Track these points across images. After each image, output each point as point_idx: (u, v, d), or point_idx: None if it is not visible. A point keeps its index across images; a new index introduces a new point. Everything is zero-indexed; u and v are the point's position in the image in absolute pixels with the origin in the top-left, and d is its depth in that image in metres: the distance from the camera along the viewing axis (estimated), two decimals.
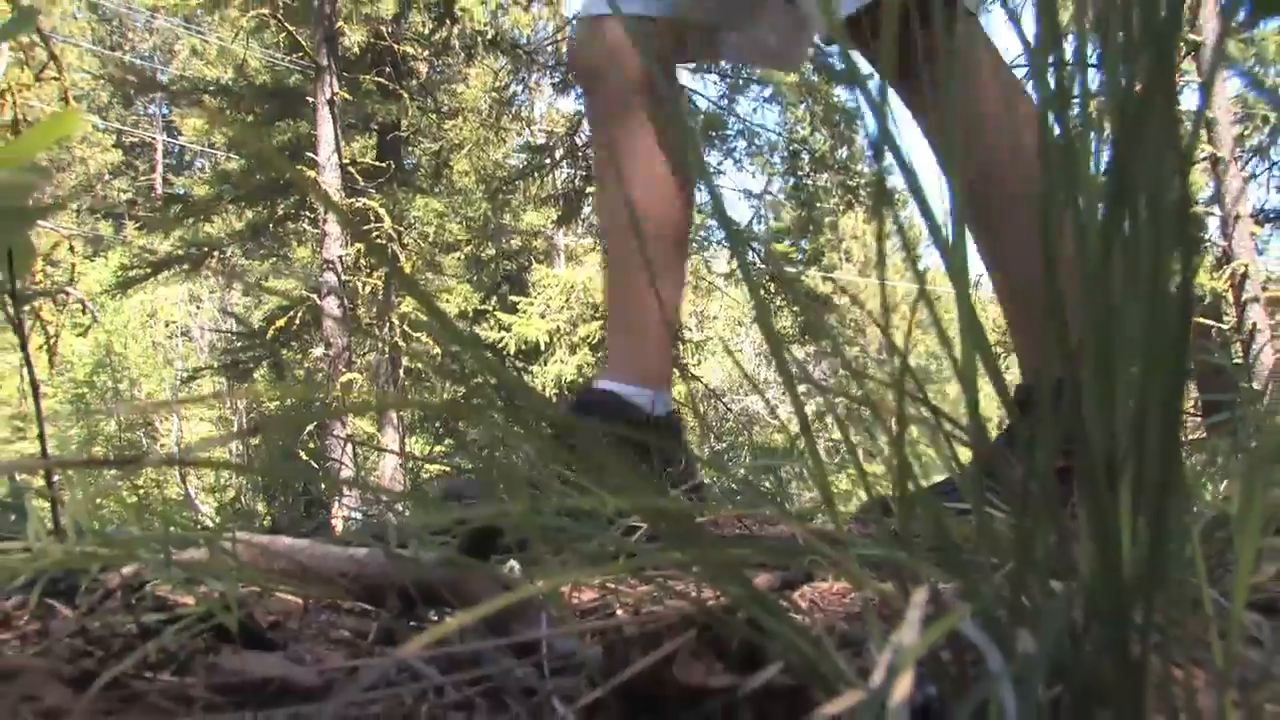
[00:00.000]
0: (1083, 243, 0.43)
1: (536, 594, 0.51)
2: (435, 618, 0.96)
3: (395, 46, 14.11)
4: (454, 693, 0.74)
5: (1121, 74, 0.47)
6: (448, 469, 2.68)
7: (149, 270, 14.16)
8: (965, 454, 0.68)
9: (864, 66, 2.14)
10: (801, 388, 0.65)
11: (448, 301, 14.61)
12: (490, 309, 14.54)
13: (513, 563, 1.02)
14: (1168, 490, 0.41)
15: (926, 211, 0.55)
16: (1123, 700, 0.49)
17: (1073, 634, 0.50)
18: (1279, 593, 0.99)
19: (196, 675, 0.81)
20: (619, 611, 0.99)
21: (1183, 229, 0.34)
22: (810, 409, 0.66)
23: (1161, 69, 0.44)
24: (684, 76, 13.64)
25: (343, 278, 13.41)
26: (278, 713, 0.71)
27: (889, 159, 0.54)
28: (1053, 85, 0.49)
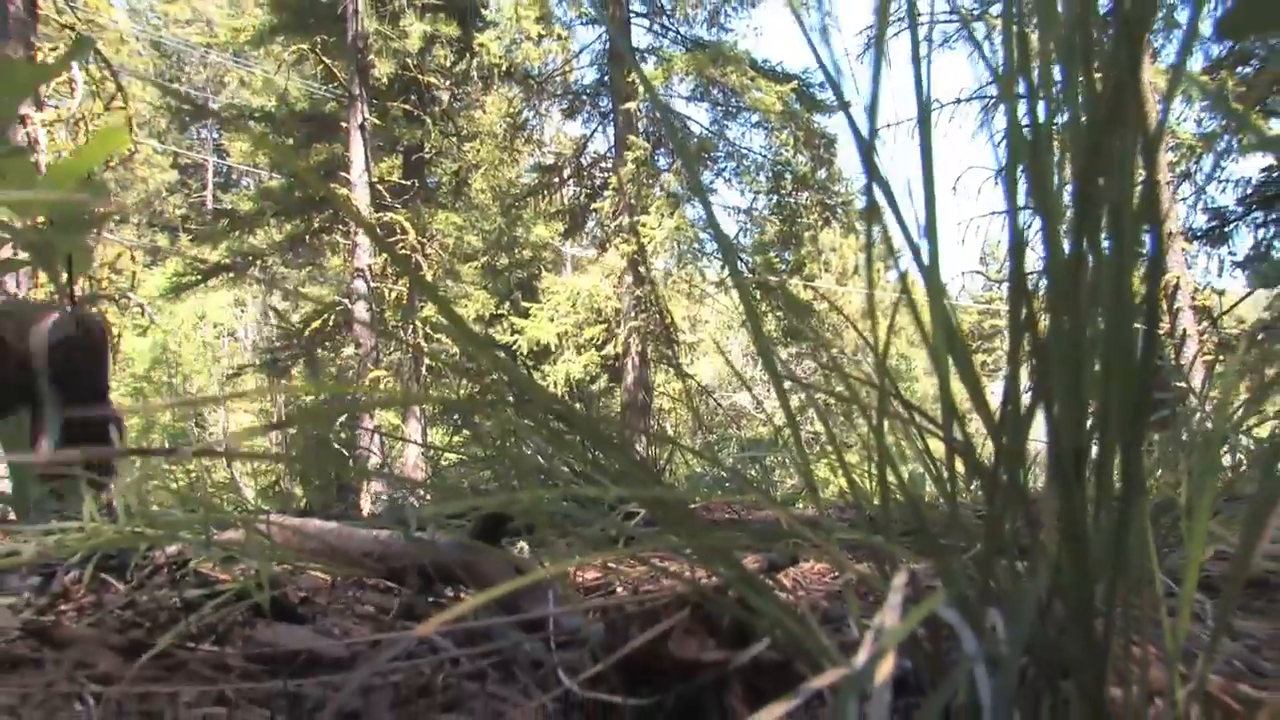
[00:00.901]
0: (1052, 255, 0.42)
1: (545, 576, 0.50)
2: (451, 595, 0.95)
3: (420, 77, 14.12)
4: (468, 664, 0.73)
5: (1083, 105, 0.46)
6: (465, 458, 2.67)
7: (200, 277, 14.17)
8: (936, 445, 0.67)
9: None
10: (786, 384, 0.64)
11: (466, 306, 14.60)
12: (504, 313, 14.52)
13: (522, 544, 1.01)
14: (1131, 483, 0.39)
15: (903, 227, 0.54)
16: (1085, 673, 0.48)
17: (1039, 612, 0.49)
18: (1216, 573, 0.97)
19: (234, 646, 0.79)
20: (619, 590, 0.97)
21: (1157, 247, 0.33)
22: (794, 403, 0.64)
23: (1123, 96, 0.42)
24: (679, 104, 13.63)
25: (371, 284, 13.42)
26: (307, 681, 0.70)
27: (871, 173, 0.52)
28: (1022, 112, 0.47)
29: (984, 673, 0.37)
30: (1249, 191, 10.47)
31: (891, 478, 0.56)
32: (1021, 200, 0.49)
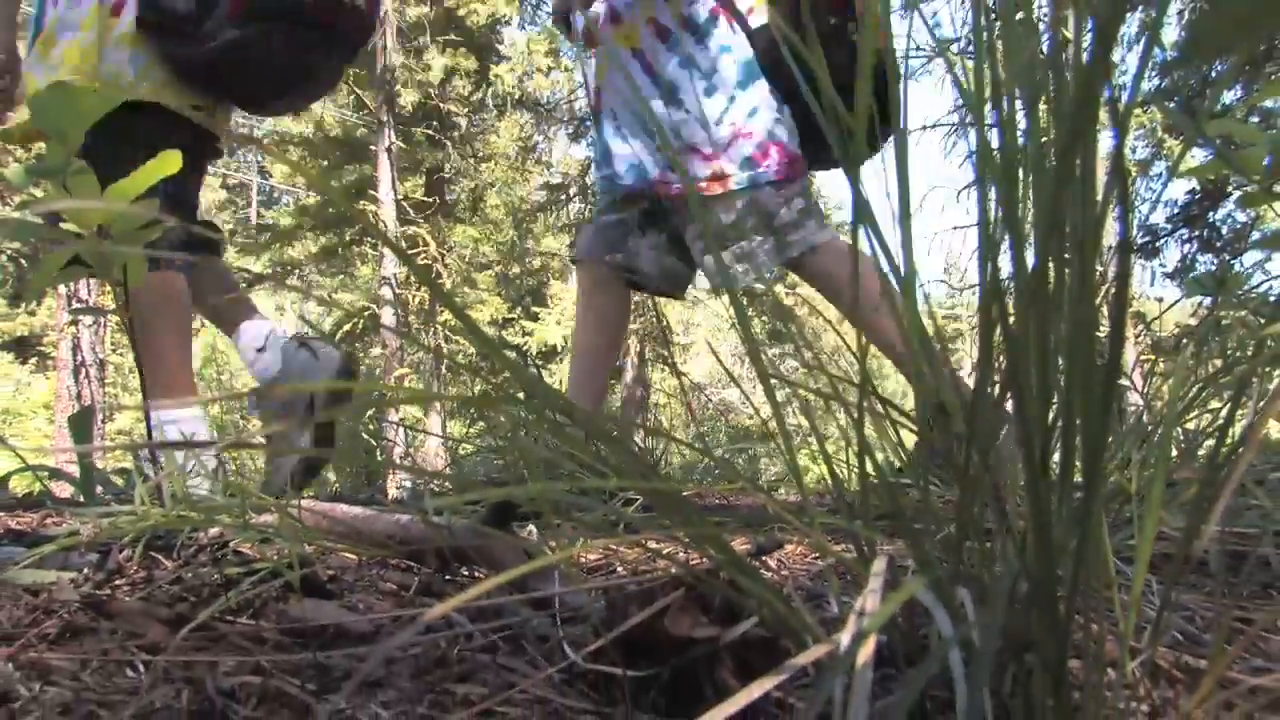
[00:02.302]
0: (1019, 264, 0.41)
1: (551, 559, 0.49)
2: (466, 574, 0.94)
3: (441, 105, 14.13)
4: (481, 638, 0.72)
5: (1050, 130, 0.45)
6: (480, 449, 2.66)
7: (245, 285, 14.19)
8: (909, 437, 0.66)
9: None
10: (772, 381, 0.63)
11: (481, 311, 14.60)
12: (516, 317, 14.54)
13: (531, 529, 1.00)
14: (1095, 474, 0.38)
15: (880, 239, 0.53)
16: (1047, 647, 0.47)
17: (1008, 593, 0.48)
18: (1158, 551, 0.96)
19: (268, 619, 0.78)
20: (619, 571, 0.96)
21: (1124, 261, 0.31)
22: (779, 398, 0.63)
23: (1084, 122, 0.41)
24: None
25: (396, 292, 13.44)
26: (335, 653, 0.68)
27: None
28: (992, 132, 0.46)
29: (957, 651, 0.36)
30: (1176, 211, 10.52)
31: (869, 467, 0.55)
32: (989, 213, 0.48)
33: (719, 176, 2.14)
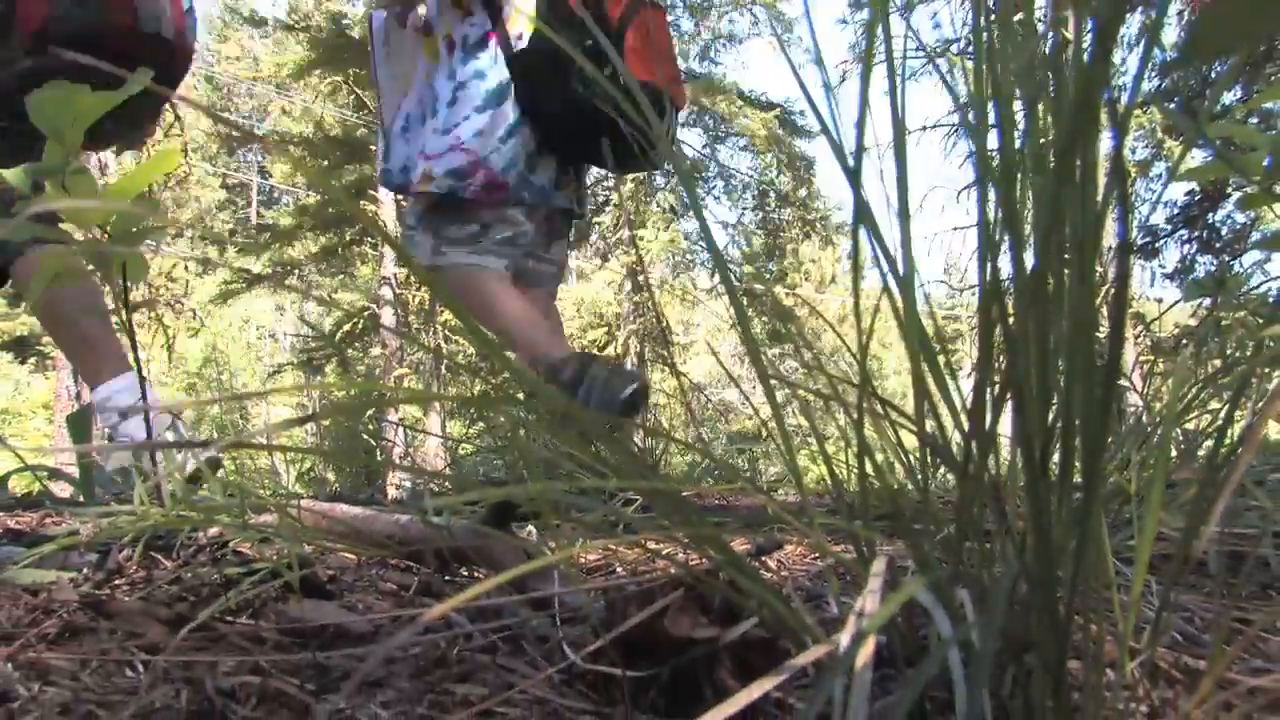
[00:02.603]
0: (1019, 264, 0.41)
1: (551, 559, 0.49)
2: (465, 574, 0.94)
3: None
4: (480, 638, 0.72)
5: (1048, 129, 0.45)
6: (480, 448, 2.66)
7: (245, 285, 14.18)
8: (909, 438, 0.66)
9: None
10: (771, 381, 0.62)
11: None
12: None
13: (530, 529, 1.00)
14: (1094, 475, 0.38)
15: (880, 240, 0.53)
16: (1047, 648, 0.47)
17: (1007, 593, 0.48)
18: (1157, 552, 0.96)
19: (268, 620, 0.78)
20: (619, 571, 0.96)
21: (1123, 263, 0.31)
22: (778, 398, 0.63)
23: (1084, 121, 0.41)
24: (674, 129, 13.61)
25: (396, 292, 13.43)
26: (334, 653, 0.68)
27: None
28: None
29: (956, 652, 0.36)
30: (1176, 212, 10.53)
31: (869, 468, 0.55)
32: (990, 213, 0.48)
33: (428, 176, 2.41)
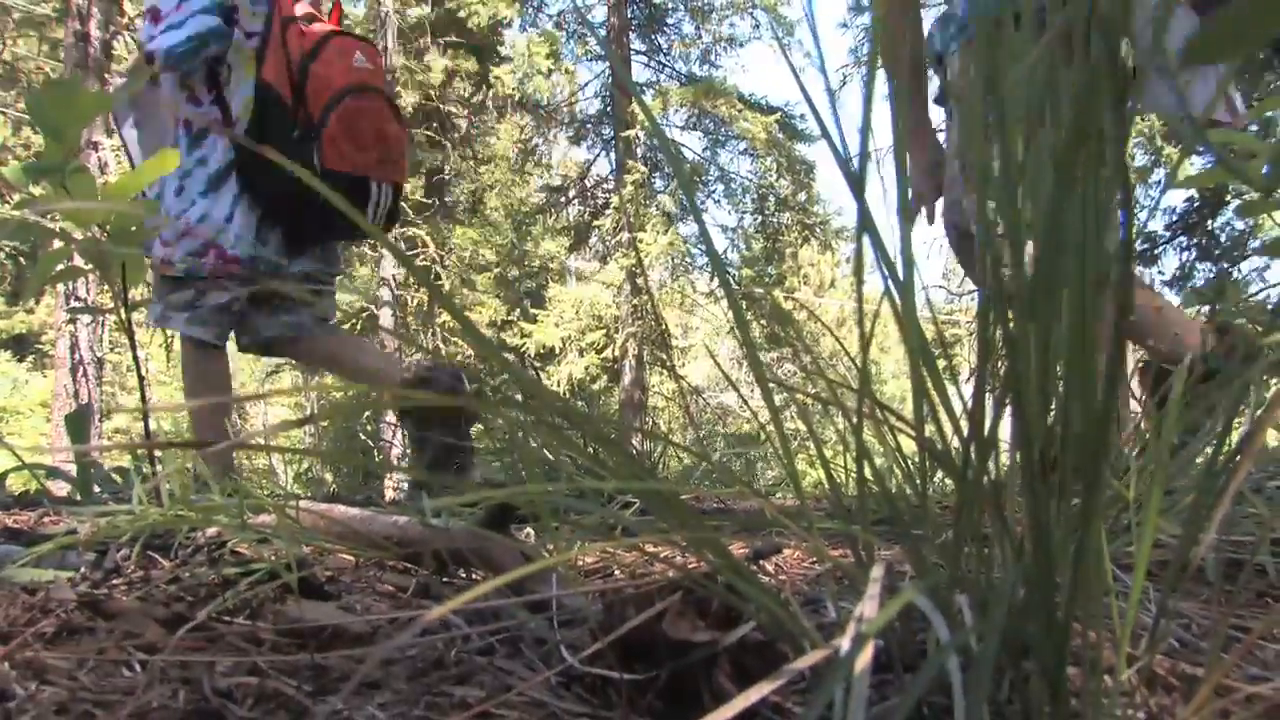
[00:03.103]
0: (1018, 274, 0.41)
1: (549, 561, 0.49)
2: (463, 576, 0.94)
3: (441, 107, 14.14)
4: (478, 640, 0.72)
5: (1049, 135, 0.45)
6: (478, 451, 2.66)
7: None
8: (908, 443, 0.66)
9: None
10: (770, 385, 0.63)
11: (480, 313, 14.58)
12: (514, 319, 14.53)
13: (528, 531, 1.00)
14: (1095, 483, 0.38)
15: (881, 244, 0.53)
16: (1045, 653, 0.47)
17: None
18: (1154, 559, 0.96)
19: (265, 620, 0.78)
20: (617, 574, 0.96)
21: (1126, 267, 0.31)
22: (776, 402, 0.63)
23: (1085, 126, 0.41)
24: (675, 133, 13.64)
25: (395, 293, 13.43)
26: (332, 654, 0.68)
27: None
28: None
29: (955, 658, 0.36)
30: (1175, 219, 10.55)
31: (867, 472, 0.55)
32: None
33: (167, 262, 2.71)
